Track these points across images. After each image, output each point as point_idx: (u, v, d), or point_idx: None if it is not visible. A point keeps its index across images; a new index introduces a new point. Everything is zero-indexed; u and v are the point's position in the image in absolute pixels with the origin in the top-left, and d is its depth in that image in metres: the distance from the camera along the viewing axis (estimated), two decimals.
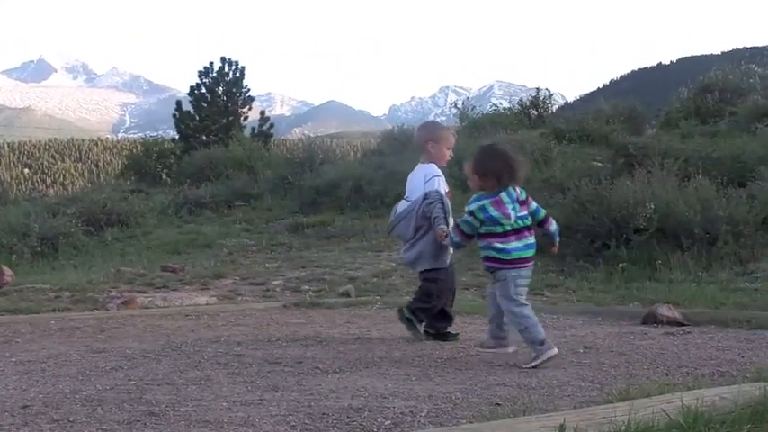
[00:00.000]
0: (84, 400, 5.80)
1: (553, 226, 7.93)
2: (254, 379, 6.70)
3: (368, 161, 31.74)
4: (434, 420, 5.13)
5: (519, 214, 7.59)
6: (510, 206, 7.60)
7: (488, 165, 7.87)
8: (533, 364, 7.26)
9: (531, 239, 7.64)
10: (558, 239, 8.04)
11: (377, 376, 6.83)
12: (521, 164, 7.95)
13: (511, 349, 7.91)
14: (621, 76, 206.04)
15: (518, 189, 7.70)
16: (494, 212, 7.61)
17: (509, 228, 7.55)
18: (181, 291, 15.72)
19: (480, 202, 7.76)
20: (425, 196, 9.06)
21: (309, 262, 18.96)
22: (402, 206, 9.39)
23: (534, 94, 44.10)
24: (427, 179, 9.21)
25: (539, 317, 11.30)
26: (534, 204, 7.81)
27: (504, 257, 7.55)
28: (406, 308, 9.33)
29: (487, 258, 7.67)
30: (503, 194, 7.65)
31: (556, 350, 7.41)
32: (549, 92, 44.64)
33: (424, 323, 9.29)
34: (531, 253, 7.62)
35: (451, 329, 9.38)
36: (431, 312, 9.22)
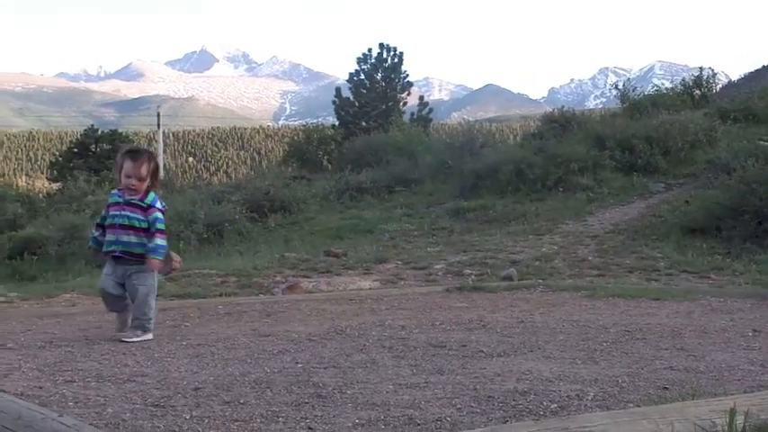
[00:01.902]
0: (253, 383, 5.90)
1: None
2: (418, 362, 6.73)
3: (528, 144, 31.53)
4: (601, 404, 5.08)
5: None
6: None
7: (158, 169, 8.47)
8: (137, 339, 8.03)
9: None
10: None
11: (541, 360, 6.80)
12: None
13: (151, 335, 8.27)
14: None
15: None
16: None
17: None
18: (344, 275, 15.87)
19: (162, 202, 8.35)
20: None
21: (471, 246, 18.95)
22: None
23: (697, 74, 43.28)
24: None
25: (705, 300, 11.18)
26: None
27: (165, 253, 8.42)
28: None
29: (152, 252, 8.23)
30: None
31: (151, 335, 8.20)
32: (713, 71, 43.75)
33: None
34: None
35: None
36: None
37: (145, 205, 8.11)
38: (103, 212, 8.32)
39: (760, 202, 16.90)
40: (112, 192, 8.37)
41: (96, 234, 8.30)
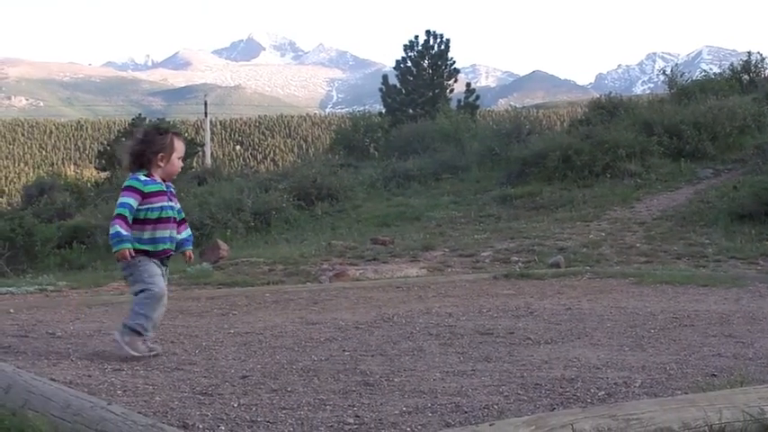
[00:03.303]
0: (300, 371, 5.92)
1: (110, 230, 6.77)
2: (465, 350, 6.74)
3: (575, 131, 31.34)
4: (649, 391, 5.07)
5: None
6: None
7: None
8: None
9: None
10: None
11: (589, 347, 6.79)
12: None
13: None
14: None
15: None
16: None
17: None
18: (391, 263, 15.88)
19: None
20: None
21: (518, 233, 18.91)
22: None
23: (746, 59, 42.89)
24: None
25: (754, 286, 11.10)
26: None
27: None
28: None
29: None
30: None
31: None
32: (762, 55, 43.34)
33: None
34: None
35: None
36: None
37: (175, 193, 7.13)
38: (131, 202, 6.66)
39: None
40: (143, 178, 6.75)
41: (126, 233, 6.60)
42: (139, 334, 6.59)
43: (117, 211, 6.65)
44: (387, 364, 6.16)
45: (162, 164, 6.83)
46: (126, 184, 6.76)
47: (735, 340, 6.98)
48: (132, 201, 6.65)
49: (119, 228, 6.57)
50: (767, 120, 28.75)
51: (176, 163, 6.95)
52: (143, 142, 6.86)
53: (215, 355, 6.64)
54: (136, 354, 6.49)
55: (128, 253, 6.57)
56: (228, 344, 7.23)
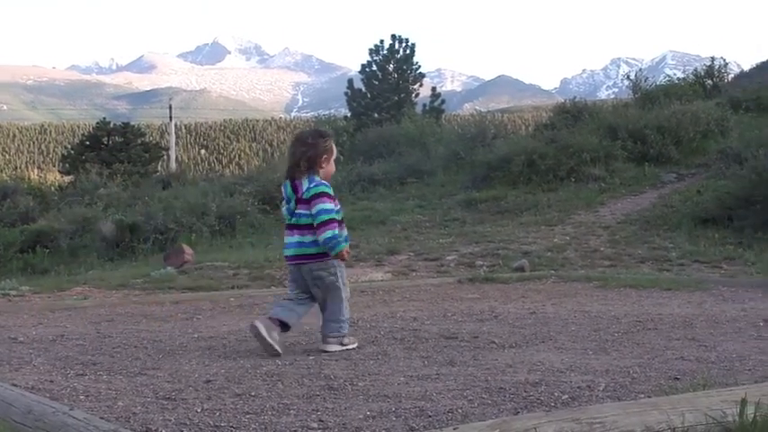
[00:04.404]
0: (264, 375, 5.91)
1: (322, 235, 6.98)
2: (430, 354, 6.74)
3: (540, 135, 31.44)
4: (612, 395, 5.08)
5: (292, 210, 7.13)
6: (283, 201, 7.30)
7: None
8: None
9: (289, 239, 7.16)
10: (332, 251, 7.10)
11: (553, 351, 6.80)
12: (288, 156, 7.34)
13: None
14: None
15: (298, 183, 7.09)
16: None
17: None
18: (356, 267, 15.86)
19: None
20: None
21: (483, 237, 18.94)
22: None
23: (709, 64, 43.27)
24: None
25: (717, 290, 11.16)
26: (315, 207, 6.95)
27: None
28: None
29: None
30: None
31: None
32: (725, 60, 43.73)
33: None
34: (284, 252, 7.29)
35: None
36: None
37: None
38: (334, 207, 7.02)
39: None
40: (325, 181, 7.07)
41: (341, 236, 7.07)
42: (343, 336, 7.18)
43: (330, 215, 6.96)
44: (351, 368, 6.16)
45: (324, 165, 7.12)
46: (319, 190, 6.98)
47: (698, 344, 7.01)
48: (334, 206, 7.04)
49: (337, 230, 6.99)
50: (730, 125, 28.97)
51: (333, 164, 7.25)
52: (314, 146, 7.09)
53: (179, 360, 6.62)
54: (352, 346, 7.14)
55: (346, 252, 7.21)
56: (192, 348, 7.21)
